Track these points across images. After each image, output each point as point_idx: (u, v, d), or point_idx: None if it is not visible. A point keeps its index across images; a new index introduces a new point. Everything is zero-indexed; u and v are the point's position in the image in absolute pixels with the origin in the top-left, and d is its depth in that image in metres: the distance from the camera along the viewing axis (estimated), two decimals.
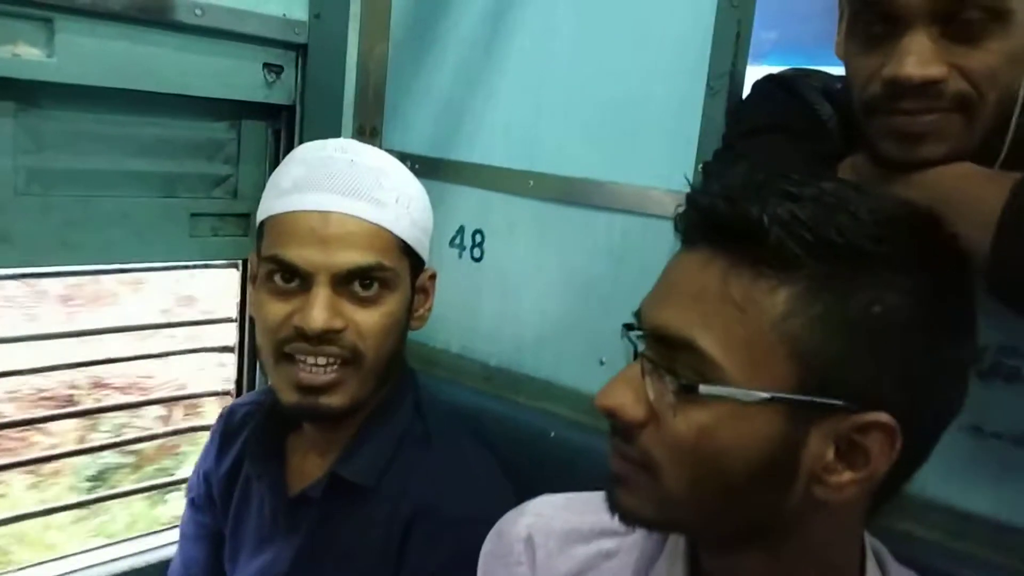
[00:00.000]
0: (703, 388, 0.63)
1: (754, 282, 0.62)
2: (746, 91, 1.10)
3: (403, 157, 1.43)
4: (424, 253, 1.12)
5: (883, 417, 0.61)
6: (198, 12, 1.24)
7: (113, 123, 1.26)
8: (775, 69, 1.04)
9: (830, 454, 0.63)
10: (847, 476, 0.63)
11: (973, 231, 0.79)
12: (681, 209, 0.67)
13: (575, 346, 1.30)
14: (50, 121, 1.20)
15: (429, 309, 1.16)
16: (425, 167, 1.42)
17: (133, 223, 1.29)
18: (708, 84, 1.12)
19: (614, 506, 0.70)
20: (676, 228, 0.68)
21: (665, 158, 1.17)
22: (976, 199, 0.80)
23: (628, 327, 0.70)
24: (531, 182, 1.32)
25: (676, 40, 1.17)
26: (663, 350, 0.66)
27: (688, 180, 0.69)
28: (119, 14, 1.18)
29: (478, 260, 1.42)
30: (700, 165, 1.10)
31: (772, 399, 0.62)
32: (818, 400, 0.62)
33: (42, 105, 1.18)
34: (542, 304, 1.34)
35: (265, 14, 1.32)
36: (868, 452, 0.62)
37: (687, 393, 0.63)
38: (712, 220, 0.65)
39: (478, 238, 1.41)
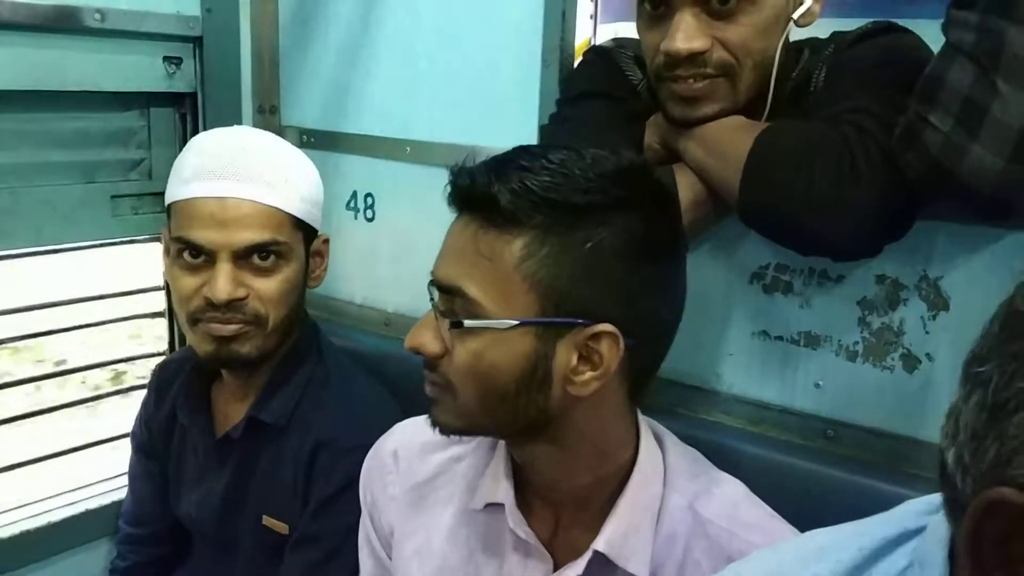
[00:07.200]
0: (467, 322, 0.80)
1: (497, 238, 0.79)
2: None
3: (300, 131, 1.59)
4: (316, 223, 1.25)
5: (607, 327, 0.78)
6: (98, 17, 1.35)
7: (34, 120, 1.38)
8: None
9: (574, 360, 0.80)
10: (588, 375, 0.80)
11: (730, 174, 0.95)
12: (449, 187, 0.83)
13: None
14: None
15: (325, 269, 1.30)
16: (319, 139, 1.56)
17: (59, 208, 1.41)
18: (543, 58, 1.27)
19: (432, 422, 0.87)
20: (447, 202, 0.84)
21: (514, 123, 1.31)
22: (733, 147, 0.96)
23: (431, 282, 0.86)
24: (408, 148, 1.46)
25: (515, 22, 1.31)
26: (445, 297, 0.83)
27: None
28: (27, 25, 1.30)
29: (371, 220, 1.55)
30: (540, 127, 1.26)
31: (521, 324, 0.78)
32: (556, 320, 0.79)
33: None
34: (429, 255, 1.46)
35: (160, 13, 1.43)
36: (601, 354, 0.79)
37: (460, 327, 0.80)
38: (463, 194, 0.81)
39: (369, 200, 1.54)
